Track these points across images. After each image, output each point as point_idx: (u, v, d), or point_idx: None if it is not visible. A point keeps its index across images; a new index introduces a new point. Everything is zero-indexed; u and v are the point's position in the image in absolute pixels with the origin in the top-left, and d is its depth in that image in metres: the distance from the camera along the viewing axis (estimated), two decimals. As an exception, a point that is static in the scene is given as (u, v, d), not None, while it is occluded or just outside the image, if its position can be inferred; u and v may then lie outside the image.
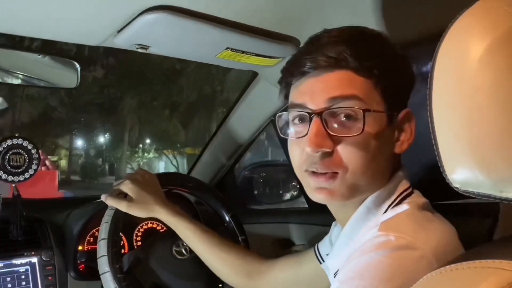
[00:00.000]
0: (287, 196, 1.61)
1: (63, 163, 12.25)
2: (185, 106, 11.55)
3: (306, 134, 0.62)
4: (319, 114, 0.61)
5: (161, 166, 12.92)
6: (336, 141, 0.61)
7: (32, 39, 0.97)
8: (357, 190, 0.64)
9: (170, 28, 0.83)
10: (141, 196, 0.95)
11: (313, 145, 0.61)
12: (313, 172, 0.63)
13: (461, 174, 0.39)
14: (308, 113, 0.63)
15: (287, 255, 0.98)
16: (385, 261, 0.54)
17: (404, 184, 0.67)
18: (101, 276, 0.91)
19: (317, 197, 0.65)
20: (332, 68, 0.62)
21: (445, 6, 0.54)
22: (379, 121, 0.62)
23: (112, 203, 0.95)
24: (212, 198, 1.14)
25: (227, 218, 1.13)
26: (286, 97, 0.70)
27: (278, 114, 0.70)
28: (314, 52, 0.63)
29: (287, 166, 1.41)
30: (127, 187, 0.96)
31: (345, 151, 0.61)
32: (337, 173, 0.62)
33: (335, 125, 0.62)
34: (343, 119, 0.61)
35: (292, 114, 0.67)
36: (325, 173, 0.63)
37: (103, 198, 0.96)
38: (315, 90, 0.63)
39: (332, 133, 0.61)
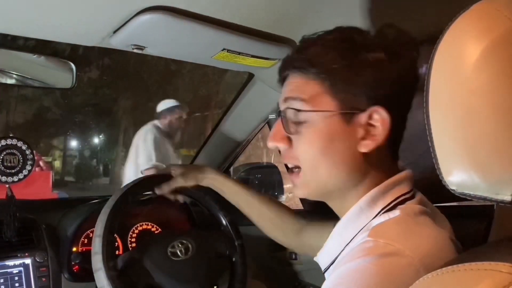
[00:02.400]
0: (282, 197, 1.61)
1: (57, 163, 12.18)
2: (180, 107, 11.52)
3: None
4: (279, 114, 0.69)
5: (156, 167, 12.86)
6: (292, 138, 0.68)
7: (27, 39, 0.96)
8: (321, 186, 0.68)
9: (166, 29, 0.83)
10: (188, 168, 1.09)
11: (269, 141, 0.70)
12: (287, 169, 0.72)
13: (457, 176, 0.39)
14: (277, 112, 0.71)
15: (315, 222, 1.00)
16: (371, 268, 0.54)
17: (403, 188, 0.66)
18: (94, 274, 0.90)
19: (295, 193, 0.73)
20: (294, 72, 0.69)
21: (442, 9, 0.54)
22: (330, 121, 0.65)
23: (167, 186, 1.05)
24: (210, 201, 1.13)
25: (224, 222, 1.12)
26: None
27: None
28: (289, 56, 0.71)
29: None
30: (173, 166, 1.09)
31: (296, 148, 0.68)
32: (300, 169, 0.69)
33: (289, 124, 0.67)
34: (290, 118, 0.67)
35: None
36: (292, 171, 0.71)
37: (158, 192, 1.05)
38: (283, 92, 0.70)
39: (285, 132, 0.68)
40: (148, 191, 1.07)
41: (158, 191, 1.05)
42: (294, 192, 0.72)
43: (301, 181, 0.69)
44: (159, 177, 1.07)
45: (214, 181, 1.07)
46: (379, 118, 0.64)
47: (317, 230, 0.96)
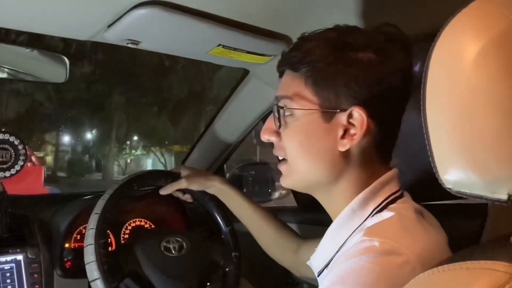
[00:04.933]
0: (276, 194, 1.61)
1: (50, 159, 12.11)
2: (174, 103, 11.50)
3: None
4: (271, 111, 0.72)
5: (149, 163, 12.85)
6: (280, 132, 0.72)
7: (20, 32, 0.95)
8: (302, 178, 0.71)
9: (162, 24, 0.82)
10: (196, 172, 1.10)
11: (261, 134, 0.75)
12: (278, 160, 0.77)
13: (454, 175, 0.39)
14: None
15: (312, 240, 0.97)
16: (368, 267, 0.54)
17: (392, 187, 0.67)
18: (86, 266, 0.90)
19: (281, 182, 0.76)
20: (287, 69, 0.71)
21: (440, 7, 0.54)
22: (310, 118, 0.67)
23: (170, 187, 1.06)
24: (214, 207, 1.12)
25: (225, 231, 1.12)
26: None
27: None
28: (284, 53, 0.74)
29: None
30: (184, 168, 1.11)
31: (283, 141, 0.71)
32: (286, 161, 0.73)
33: (277, 119, 0.71)
34: (279, 114, 0.70)
35: None
36: (280, 162, 0.75)
37: (161, 192, 1.06)
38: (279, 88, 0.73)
39: (275, 126, 0.72)
40: (153, 184, 1.07)
41: (161, 191, 1.06)
42: (281, 181, 0.76)
43: (286, 171, 0.73)
44: (166, 174, 1.08)
45: (220, 191, 1.08)
46: (358, 118, 0.64)
47: (313, 248, 0.96)
